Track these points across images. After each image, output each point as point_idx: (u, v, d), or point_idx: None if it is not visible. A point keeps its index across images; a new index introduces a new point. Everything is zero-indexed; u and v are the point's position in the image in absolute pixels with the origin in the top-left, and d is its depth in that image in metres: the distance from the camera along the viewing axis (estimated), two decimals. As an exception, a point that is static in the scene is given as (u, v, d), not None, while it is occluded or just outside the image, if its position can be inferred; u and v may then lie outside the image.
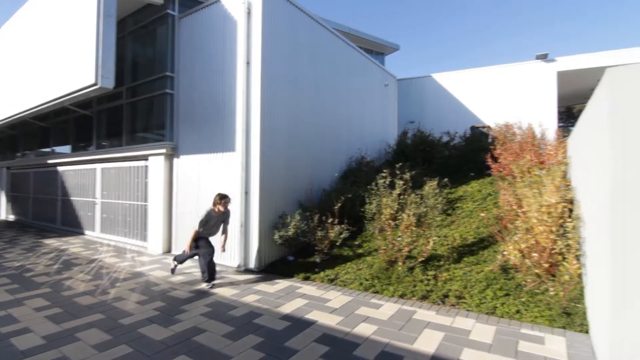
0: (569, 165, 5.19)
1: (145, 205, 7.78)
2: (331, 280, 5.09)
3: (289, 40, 6.67)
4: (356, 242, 6.32)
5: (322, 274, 5.29)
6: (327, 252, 5.90)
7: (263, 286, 5.00)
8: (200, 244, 5.15)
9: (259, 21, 6.01)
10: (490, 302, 3.96)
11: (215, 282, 5.15)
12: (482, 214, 5.74)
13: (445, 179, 6.88)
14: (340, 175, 8.03)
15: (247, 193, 5.93)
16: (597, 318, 2.88)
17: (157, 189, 7.39)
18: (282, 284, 5.11)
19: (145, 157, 7.79)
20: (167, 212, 7.30)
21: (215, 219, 5.17)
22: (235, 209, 5.89)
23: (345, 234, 5.92)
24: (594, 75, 12.72)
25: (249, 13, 6.13)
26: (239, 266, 5.90)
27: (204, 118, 6.81)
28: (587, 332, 3.30)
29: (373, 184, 6.06)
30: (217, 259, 6.44)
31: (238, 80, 6.19)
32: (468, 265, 4.79)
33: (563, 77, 12.59)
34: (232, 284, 5.14)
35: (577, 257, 3.65)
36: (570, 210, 4.13)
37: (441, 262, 4.97)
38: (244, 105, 6.03)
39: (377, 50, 17.60)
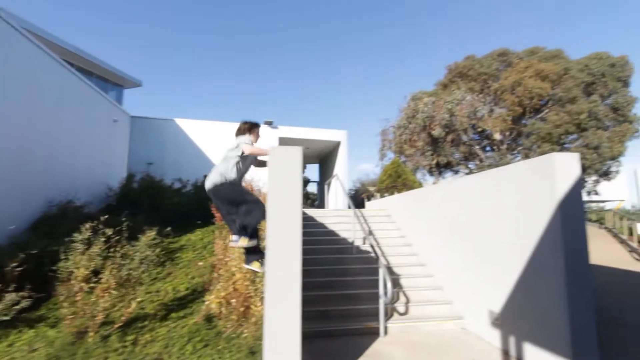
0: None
1: None
2: (-25, 379, 3.56)
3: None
4: (40, 312, 4.87)
5: (-42, 372, 3.63)
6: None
7: None
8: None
9: None
10: (188, 358, 3.86)
11: None
12: (200, 263, 5.81)
13: (169, 228, 6.62)
14: (31, 224, 6.21)
15: None
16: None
17: None
18: None
19: None
20: None
21: (249, 163, 3.80)
22: None
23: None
24: (302, 143, 16.48)
25: None
26: None
27: None
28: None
29: (75, 235, 4.98)
30: None
31: None
32: (175, 320, 4.59)
33: (282, 141, 15.54)
34: None
35: (262, 300, 4.20)
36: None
37: (146, 323, 4.53)
38: None
39: (114, 82, 15.85)
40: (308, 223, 7.69)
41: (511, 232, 3.94)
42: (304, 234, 7.29)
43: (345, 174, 16.33)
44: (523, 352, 3.71)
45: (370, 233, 7.39)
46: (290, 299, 2.80)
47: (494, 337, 4.19)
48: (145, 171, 9.03)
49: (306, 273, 5.84)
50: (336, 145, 16.87)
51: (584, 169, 18.53)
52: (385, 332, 4.61)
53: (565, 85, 18.27)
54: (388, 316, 4.94)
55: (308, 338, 4.44)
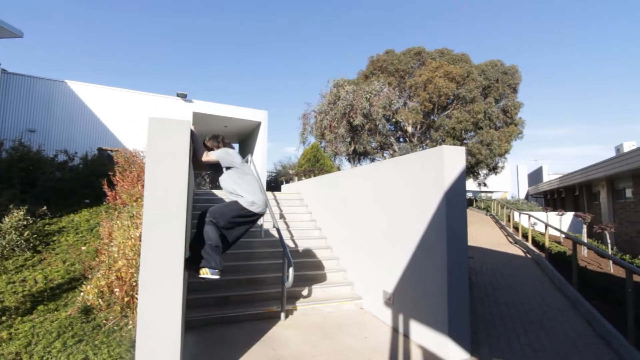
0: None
1: None
2: None
3: None
4: None
5: None
6: None
7: None
8: None
9: None
10: (56, 356, 3.34)
11: None
12: (83, 248, 5.10)
13: (44, 208, 5.66)
14: None
15: None
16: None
17: None
18: None
19: None
20: None
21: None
22: None
23: None
24: (220, 121, 15.58)
25: None
26: None
27: None
28: None
29: None
30: None
31: None
32: (43, 314, 3.94)
33: (197, 117, 14.47)
34: None
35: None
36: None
37: (4, 318, 3.81)
38: None
39: (-17, 27, 12.95)
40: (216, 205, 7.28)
41: (407, 217, 4.17)
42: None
43: (264, 156, 15.98)
44: (409, 329, 4.00)
45: (282, 216, 7.32)
46: (170, 288, 2.54)
47: (387, 316, 4.46)
48: (18, 139, 7.52)
49: (209, 258, 5.55)
50: (257, 126, 16.36)
51: (478, 163, 21.03)
52: (287, 316, 4.60)
53: (468, 87, 20.30)
54: (291, 299, 4.94)
55: (205, 326, 4.22)
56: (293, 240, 6.44)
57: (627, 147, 20.23)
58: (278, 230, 5.24)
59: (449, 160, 3.54)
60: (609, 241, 9.37)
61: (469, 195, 36.79)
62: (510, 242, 12.17)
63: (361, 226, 5.30)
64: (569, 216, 17.23)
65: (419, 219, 3.91)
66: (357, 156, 21.95)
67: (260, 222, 6.57)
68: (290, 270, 4.35)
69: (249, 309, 4.60)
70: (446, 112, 21.92)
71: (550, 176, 33.34)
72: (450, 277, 3.46)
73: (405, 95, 21.45)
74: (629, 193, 15.37)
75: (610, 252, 9.53)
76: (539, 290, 6.00)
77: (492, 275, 6.91)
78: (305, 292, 5.18)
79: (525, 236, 11.83)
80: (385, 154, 23.70)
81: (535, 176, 40.05)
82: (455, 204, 3.53)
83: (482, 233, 13.76)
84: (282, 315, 4.53)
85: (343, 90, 16.74)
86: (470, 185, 26.21)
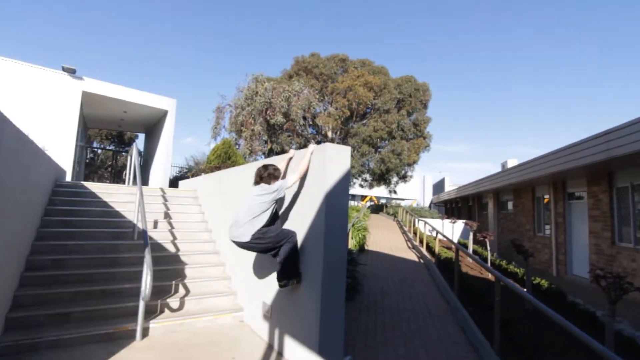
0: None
1: None
2: None
3: None
4: None
5: None
6: None
7: None
8: None
9: None
10: None
11: None
12: None
13: None
14: None
15: None
16: None
17: None
18: None
19: None
20: None
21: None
22: None
23: None
24: (117, 104, 13.70)
25: None
26: None
27: None
28: None
29: None
30: None
31: None
32: None
33: (87, 97, 12.46)
34: None
35: None
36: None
37: None
38: None
39: None
40: (83, 200, 6.10)
41: (294, 218, 3.78)
42: (70, 213, 5.73)
43: (169, 148, 14.53)
44: (284, 346, 3.59)
45: (168, 215, 6.43)
46: None
47: (265, 331, 4.00)
48: None
49: (57, 264, 4.49)
50: (163, 114, 14.79)
51: (389, 170, 22.13)
52: (145, 335, 3.85)
53: (384, 98, 21.28)
54: (156, 314, 4.20)
55: (27, 352, 3.28)
56: (174, 244, 5.64)
57: (510, 164, 23.21)
58: (144, 231, 4.44)
59: (332, 159, 3.22)
60: (488, 248, 10.34)
61: (382, 201, 38.93)
62: (409, 247, 12.82)
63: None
64: (460, 224, 19.01)
65: (304, 220, 3.53)
66: (274, 155, 21.45)
67: (134, 221, 5.64)
68: (149, 278, 3.63)
69: (95, 329, 3.73)
70: (364, 121, 22.70)
71: (450, 187, 36.90)
72: (325, 285, 3.12)
73: (327, 100, 21.66)
74: (510, 205, 17.51)
75: (490, 258, 10.54)
76: (424, 296, 6.15)
77: (384, 281, 6.96)
78: (175, 304, 4.46)
79: (422, 242, 12.56)
80: (304, 157, 23.63)
81: (438, 186, 44.08)
82: (336, 205, 3.23)
83: (385, 238, 14.31)
84: (138, 334, 3.76)
85: (262, 87, 16.10)
86: (382, 192, 27.56)
